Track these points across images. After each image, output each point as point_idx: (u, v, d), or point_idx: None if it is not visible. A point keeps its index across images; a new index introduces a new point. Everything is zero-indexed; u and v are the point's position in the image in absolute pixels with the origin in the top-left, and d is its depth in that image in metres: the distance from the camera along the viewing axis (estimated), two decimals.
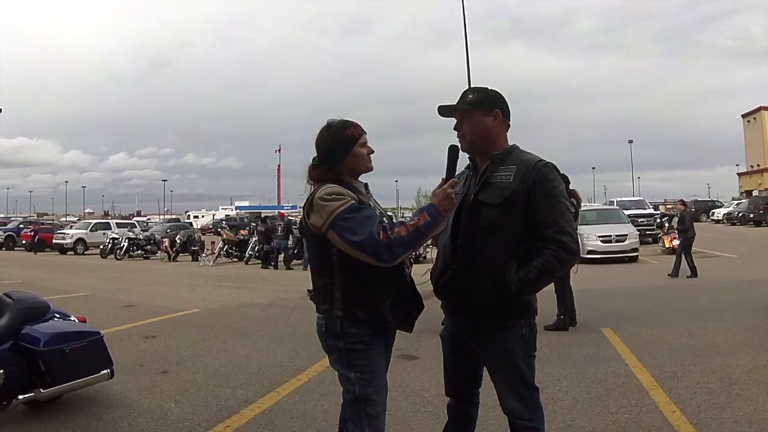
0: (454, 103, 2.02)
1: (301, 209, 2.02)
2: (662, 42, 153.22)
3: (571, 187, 5.87)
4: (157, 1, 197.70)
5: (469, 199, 1.94)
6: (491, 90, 2.02)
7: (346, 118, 1.99)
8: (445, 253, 2.02)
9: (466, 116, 1.98)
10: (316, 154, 1.98)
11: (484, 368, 2.05)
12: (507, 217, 1.85)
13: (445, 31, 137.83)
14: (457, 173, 2.01)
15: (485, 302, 1.88)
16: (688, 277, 9.77)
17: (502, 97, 2.02)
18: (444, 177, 1.91)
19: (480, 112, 1.96)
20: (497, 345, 1.91)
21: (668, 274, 10.07)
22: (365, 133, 1.98)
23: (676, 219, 13.04)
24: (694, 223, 11.05)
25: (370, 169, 2.00)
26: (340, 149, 1.93)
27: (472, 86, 2.05)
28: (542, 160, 1.91)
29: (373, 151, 2.00)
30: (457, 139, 2.01)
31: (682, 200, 13.22)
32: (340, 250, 1.81)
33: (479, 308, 1.91)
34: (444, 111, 2.03)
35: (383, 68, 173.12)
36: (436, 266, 2.07)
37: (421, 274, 2.16)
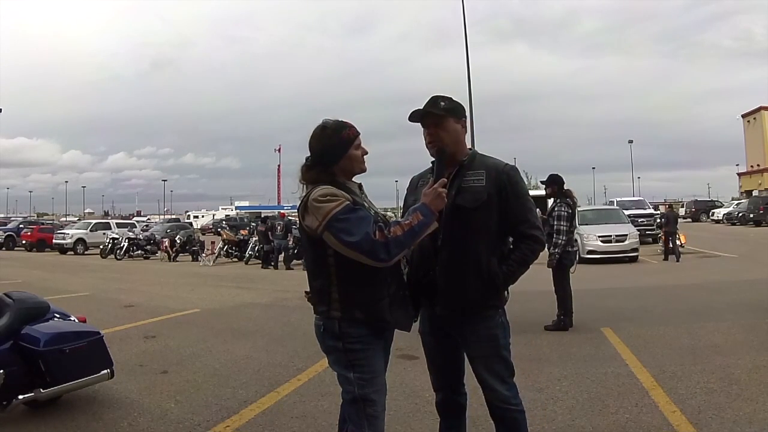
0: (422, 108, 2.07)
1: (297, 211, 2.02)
2: (664, 42, 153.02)
3: (566, 187, 5.92)
4: (158, 0, 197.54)
5: (447, 203, 1.98)
6: (455, 99, 2.13)
7: (340, 119, 1.98)
8: (424, 254, 2.07)
9: (440, 122, 2.05)
10: (309, 154, 1.96)
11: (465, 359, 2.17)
12: (486, 218, 2.03)
13: (447, 31, 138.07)
14: (418, 174, 2.22)
15: (474, 297, 2.03)
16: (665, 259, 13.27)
17: (463, 106, 2.17)
18: (433, 177, 1.97)
19: (453, 119, 2.07)
20: (482, 332, 2.07)
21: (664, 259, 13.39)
22: (359, 134, 1.97)
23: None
24: (694, 223, 13.23)
25: (364, 170, 2.00)
26: (335, 151, 1.92)
27: (438, 94, 2.09)
28: (507, 163, 2.12)
29: (366, 153, 1.99)
30: (427, 144, 2.07)
31: (670, 204, 17.55)
32: (336, 251, 1.81)
33: (468, 303, 2.04)
34: (425, 115, 2.05)
35: (385, 68, 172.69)
36: (413, 267, 2.10)
37: None
